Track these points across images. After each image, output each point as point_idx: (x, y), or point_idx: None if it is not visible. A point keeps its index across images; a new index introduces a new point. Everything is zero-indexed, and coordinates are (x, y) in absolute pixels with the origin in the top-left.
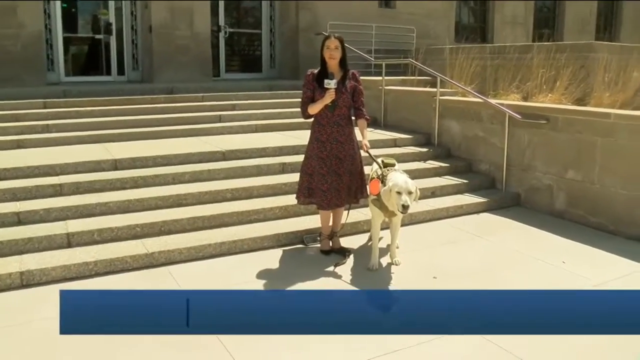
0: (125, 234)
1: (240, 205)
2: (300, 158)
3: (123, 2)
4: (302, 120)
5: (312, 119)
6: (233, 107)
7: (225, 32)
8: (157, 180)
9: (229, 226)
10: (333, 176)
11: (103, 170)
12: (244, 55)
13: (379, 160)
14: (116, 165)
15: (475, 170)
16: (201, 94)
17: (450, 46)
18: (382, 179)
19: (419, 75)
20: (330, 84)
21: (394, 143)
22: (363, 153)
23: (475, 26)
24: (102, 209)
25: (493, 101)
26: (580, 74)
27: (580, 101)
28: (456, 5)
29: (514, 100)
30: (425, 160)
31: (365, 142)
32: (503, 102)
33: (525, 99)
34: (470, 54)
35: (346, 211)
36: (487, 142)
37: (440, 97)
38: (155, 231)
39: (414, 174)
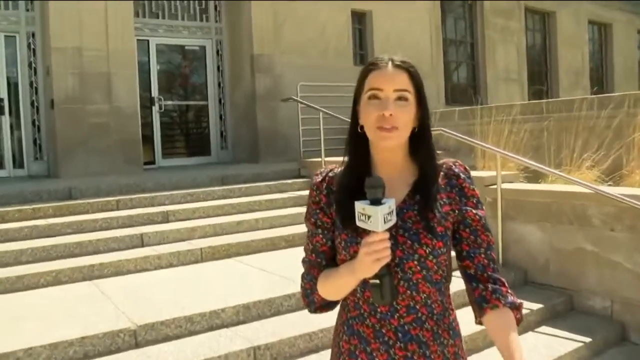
0: None
1: None
2: (287, 329)
3: (19, 68)
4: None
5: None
6: (165, 218)
7: (160, 106)
8: None
9: None
10: None
11: None
12: (186, 135)
13: None
14: None
15: (580, 308)
16: (115, 198)
17: (465, 108)
18: None
19: None
20: (377, 213)
21: None
22: None
23: (465, 85)
24: None
25: (616, 191)
26: None
27: None
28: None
29: (593, 178)
30: None
31: None
32: (627, 190)
33: (611, 175)
34: (504, 115)
35: None
36: (601, 260)
37: (503, 187)
38: None
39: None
